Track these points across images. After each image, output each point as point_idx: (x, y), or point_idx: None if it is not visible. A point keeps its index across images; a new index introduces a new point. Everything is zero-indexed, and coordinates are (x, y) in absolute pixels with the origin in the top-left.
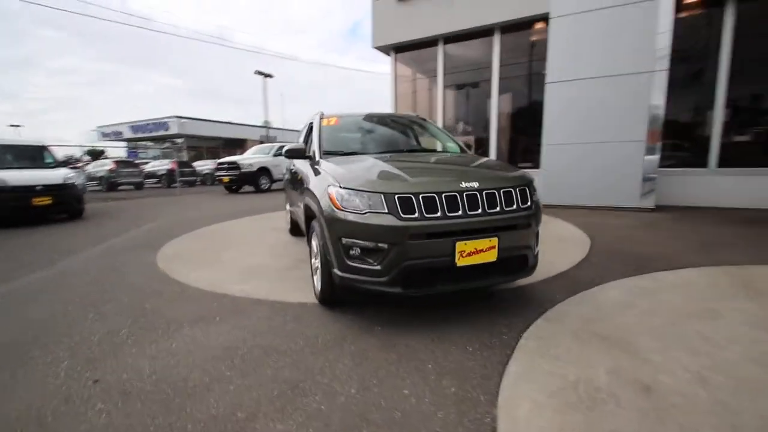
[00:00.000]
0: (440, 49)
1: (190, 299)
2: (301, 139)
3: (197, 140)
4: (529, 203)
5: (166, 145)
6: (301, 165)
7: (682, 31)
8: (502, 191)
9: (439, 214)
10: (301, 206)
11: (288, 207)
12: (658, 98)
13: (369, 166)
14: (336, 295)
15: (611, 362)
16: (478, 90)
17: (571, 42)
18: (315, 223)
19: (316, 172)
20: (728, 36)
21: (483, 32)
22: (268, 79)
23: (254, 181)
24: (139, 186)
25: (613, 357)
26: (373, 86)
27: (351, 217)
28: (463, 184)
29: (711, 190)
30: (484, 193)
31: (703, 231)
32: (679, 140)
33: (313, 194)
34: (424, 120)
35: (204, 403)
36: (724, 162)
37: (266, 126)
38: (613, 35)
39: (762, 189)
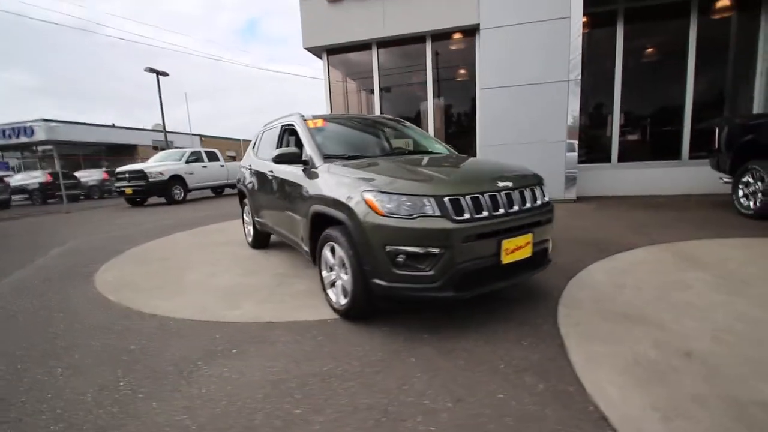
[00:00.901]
0: (374, 53)
1: (180, 333)
2: (265, 143)
3: (71, 147)
4: (546, 199)
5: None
6: (289, 170)
7: (588, 46)
8: (528, 189)
9: (485, 213)
10: (300, 216)
11: (250, 217)
12: (574, 104)
13: (399, 168)
14: (370, 308)
15: (647, 337)
16: (414, 93)
17: (500, 52)
18: (336, 232)
19: (313, 176)
20: (620, 50)
21: (416, 39)
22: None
23: (166, 191)
24: (4, 204)
25: (644, 332)
26: (281, 87)
27: (398, 222)
28: (500, 183)
29: (615, 182)
30: (517, 191)
31: (624, 216)
32: (589, 140)
33: (335, 201)
34: (402, 121)
35: None
36: (622, 157)
37: (162, 130)
38: (535, 47)
39: (650, 179)
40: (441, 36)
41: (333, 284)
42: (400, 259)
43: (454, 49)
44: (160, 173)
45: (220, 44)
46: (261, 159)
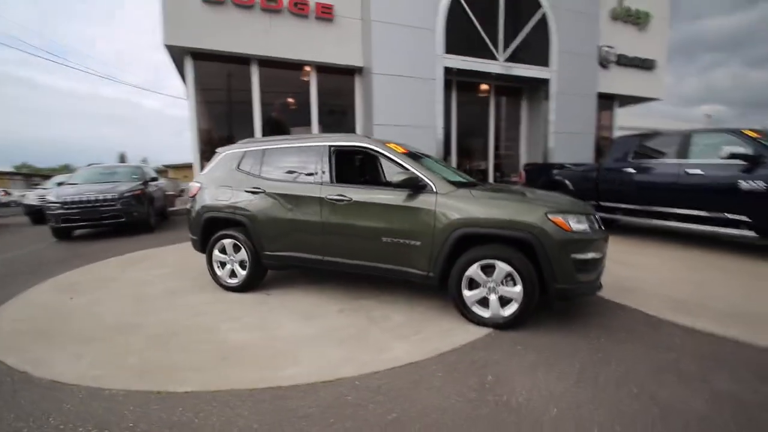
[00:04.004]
0: (255, 69)
1: (396, 386)
2: (284, 165)
3: None
4: None
5: None
6: (388, 196)
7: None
8: None
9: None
10: (421, 242)
11: (242, 253)
12: (438, 144)
13: (531, 194)
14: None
15: (654, 297)
16: (296, 115)
17: (389, 95)
18: (498, 251)
19: (447, 200)
20: (454, 107)
21: (301, 65)
22: None
23: None
24: None
25: (646, 295)
26: None
27: (582, 236)
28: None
29: None
30: None
31: None
32: None
33: (513, 222)
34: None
35: None
36: None
37: None
38: (414, 96)
39: None
40: (325, 69)
41: (480, 301)
42: (577, 265)
43: (339, 82)
44: None
45: None
46: (287, 182)
